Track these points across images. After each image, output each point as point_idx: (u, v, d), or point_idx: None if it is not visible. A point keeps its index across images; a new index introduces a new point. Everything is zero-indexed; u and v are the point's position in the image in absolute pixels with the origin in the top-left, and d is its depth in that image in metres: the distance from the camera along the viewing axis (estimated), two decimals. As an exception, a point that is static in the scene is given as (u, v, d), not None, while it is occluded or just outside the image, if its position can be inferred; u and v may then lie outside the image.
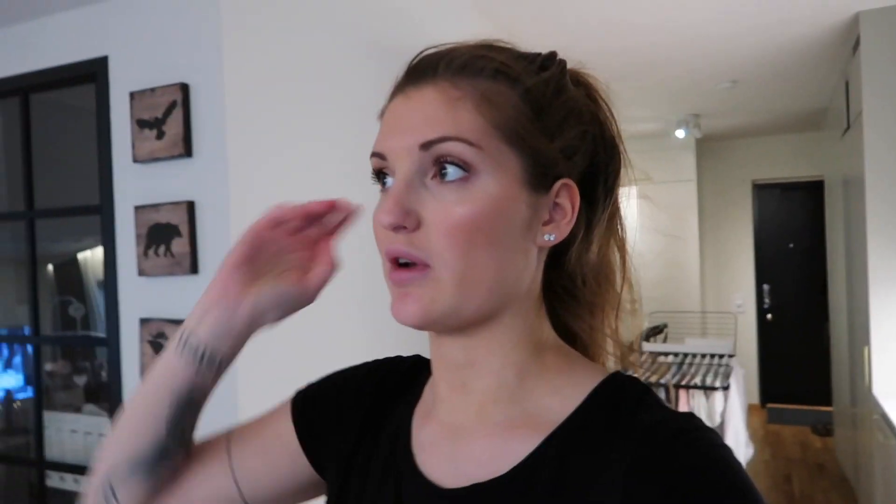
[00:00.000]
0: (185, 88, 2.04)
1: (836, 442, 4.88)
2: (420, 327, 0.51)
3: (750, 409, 5.61)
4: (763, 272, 6.27)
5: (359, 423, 0.64)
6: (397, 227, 0.50)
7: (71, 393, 3.12)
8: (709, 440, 0.46)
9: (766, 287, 6.27)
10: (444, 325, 0.52)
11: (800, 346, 6.08)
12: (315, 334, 2.26)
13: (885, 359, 2.80)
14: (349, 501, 0.61)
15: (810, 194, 5.94)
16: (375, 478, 0.59)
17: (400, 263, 0.51)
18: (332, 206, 0.60)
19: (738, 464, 0.45)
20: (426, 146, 0.50)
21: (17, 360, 3.16)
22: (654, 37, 3.09)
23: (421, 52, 0.55)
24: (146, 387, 0.61)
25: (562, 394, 0.53)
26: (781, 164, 6.04)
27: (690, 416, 0.49)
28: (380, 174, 0.54)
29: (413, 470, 0.56)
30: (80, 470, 2.60)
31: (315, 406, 0.67)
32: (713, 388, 3.27)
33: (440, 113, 0.50)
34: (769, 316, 6.25)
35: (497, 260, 0.51)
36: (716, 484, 0.43)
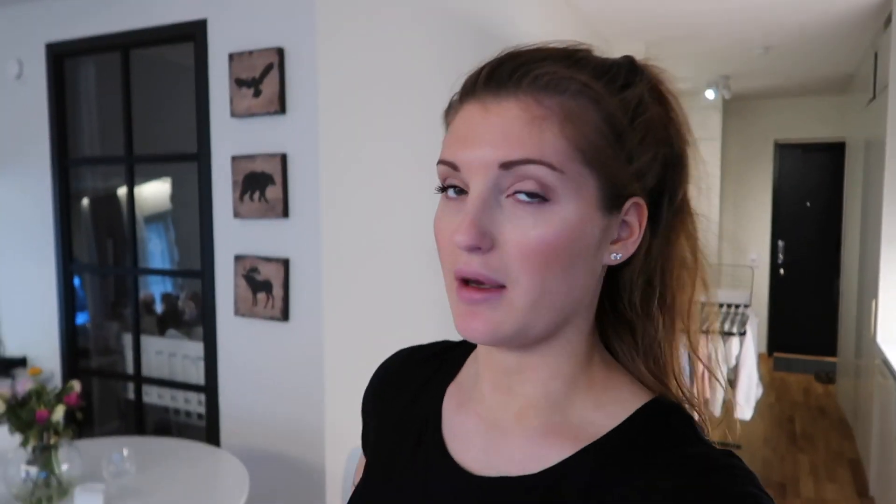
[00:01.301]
0: (280, 52, 2.28)
1: (837, 389, 5.22)
2: (487, 344, 0.52)
3: (759, 358, 5.94)
4: (779, 229, 6.51)
5: (384, 407, 0.67)
6: (472, 249, 0.49)
7: (148, 319, 3.45)
8: (745, 477, 0.47)
9: (781, 243, 6.52)
10: (509, 344, 0.53)
11: (809, 300, 6.37)
12: (391, 299, 2.53)
13: (891, 311, 3.09)
14: (376, 481, 0.63)
15: (830, 155, 6.12)
16: (404, 459, 0.61)
17: (467, 281, 0.50)
18: None
19: (769, 500, 0.47)
20: (507, 166, 0.48)
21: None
22: (696, 4, 3.27)
23: (498, 57, 0.52)
24: None
25: (605, 410, 0.53)
26: (804, 126, 6.21)
27: (730, 454, 0.49)
28: (444, 185, 0.53)
29: (443, 454, 0.57)
30: (168, 384, 2.94)
31: (365, 415, 0.71)
32: (731, 334, 3.57)
33: (524, 132, 0.48)
34: (782, 271, 6.52)
35: (569, 282, 0.50)
36: None
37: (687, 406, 0.56)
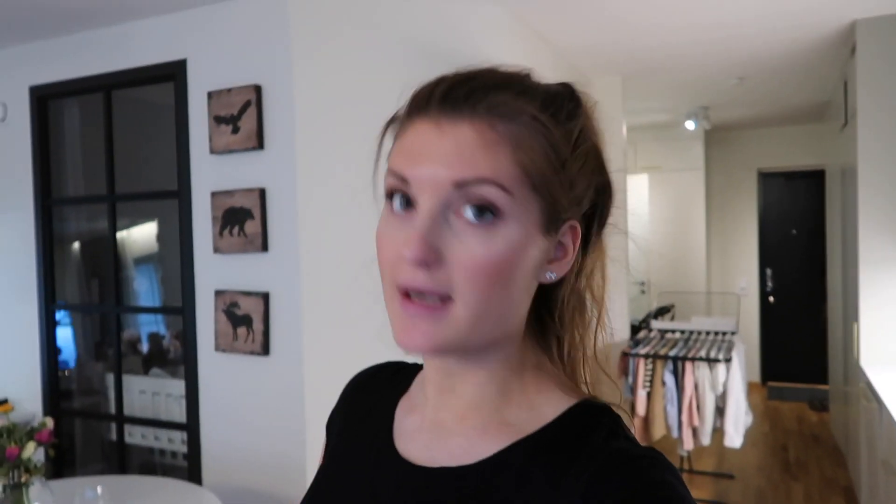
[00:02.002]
0: (258, 89, 2.33)
1: (831, 416, 5.19)
2: (425, 355, 0.56)
3: (751, 387, 5.92)
4: (766, 256, 6.56)
5: (343, 421, 0.71)
6: (420, 263, 0.51)
7: (133, 359, 3.43)
8: (664, 467, 0.50)
9: (769, 271, 6.56)
10: (446, 355, 0.57)
11: (800, 328, 6.38)
12: (372, 332, 2.53)
13: (871, 333, 3.10)
14: (330, 474, 0.68)
15: (812, 183, 6.20)
16: (356, 459, 0.65)
17: (408, 293, 0.53)
18: None
19: (686, 491, 0.50)
20: (460, 185, 0.50)
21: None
22: (669, 37, 3.36)
23: (452, 78, 0.55)
24: None
25: (536, 410, 0.57)
26: (785, 154, 6.30)
27: (652, 450, 0.53)
28: (392, 193, 0.55)
29: (390, 449, 0.61)
30: (151, 424, 2.92)
31: (328, 433, 0.74)
32: (716, 361, 3.57)
33: (478, 154, 0.50)
34: (771, 298, 6.54)
35: (509, 299, 0.54)
36: (661, 501, 0.48)
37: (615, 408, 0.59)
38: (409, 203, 0.53)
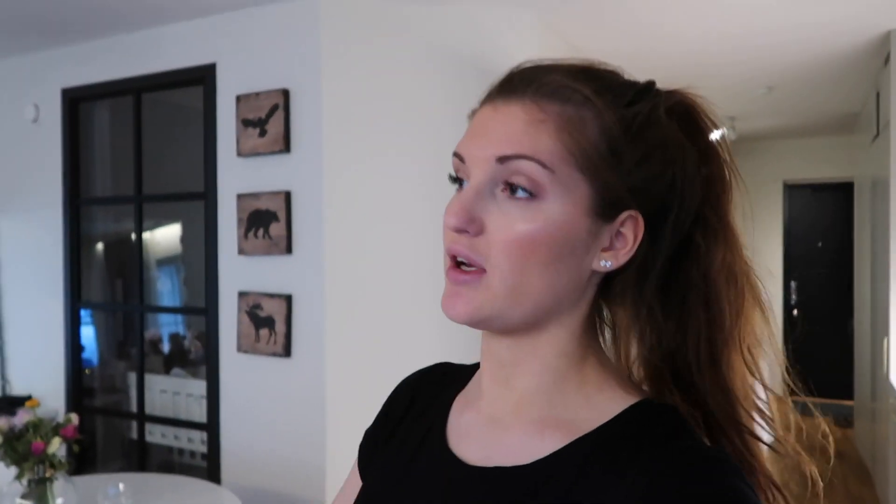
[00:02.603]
0: (286, 93, 2.34)
1: (856, 433, 5.08)
2: (467, 324, 0.54)
3: (774, 400, 5.81)
4: (791, 269, 6.45)
5: (398, 419, 0.69)
6: (460, 230, 0.53)
7: (154, 358, 3.46)
8: (731, 471, 0.48)
9: (793, 284, 6.46)
10: (488, 326, 0.56)
11: (824, 342, 6.26)
12: (394, 336, 2.54)
13: (903, 350, 3.03)
14: (377, 470, 0.67)
15: (840, 195, 6.10)
16: (407, 452, 0.64)
17: (458, 263, 0.54)
18: None
19: (757, 498, 0.48)
20: (502, 160, 0.52)
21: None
22: (699, 45, 3.32)
23: (519, 65, 0.57)
24: None
25: (597, 407, 0.56)
26: (812, 166, 6.21)
27: (719, 450, 0.52)
28: (457, 177, 0.57)
29: (443, 446, 0.60)
30: (171, 423, 2.94)
31: (372, 440, 0.71)
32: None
33: (521, 131, 0.52)
34: (795, 312, 6.44)
35: (548, 278, 0.53)
36: None
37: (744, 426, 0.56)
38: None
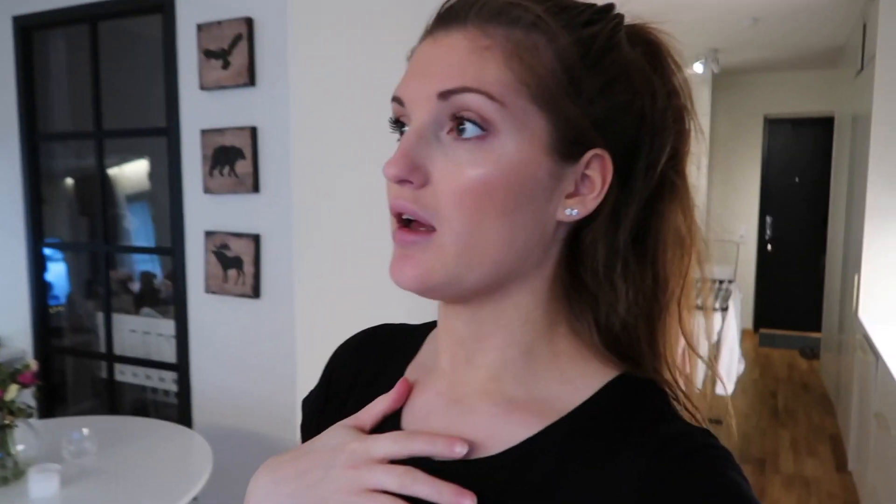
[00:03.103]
0: (249, 22, 2.21)
1: (821, 365, 5.23)
2: (418, 293, 0.49)
3: (743, 334, 5.96)
4: (767, 204, 6.49)
5: (344, 393, 0.62)
6: (402, 181, 0.47)
7: (124, 298, 3.41)
8: (725, 460, 0.45)
9: (769, 219, 6.50)
10: (442, 294, 0.49)
11: (796, 276, 6.37)
12: (365, 276, 2.50)
13: (873, 286, 3.07)
14: None
15: (820, 130, 6.08)
16: None
17: (404, 221, 0.48)
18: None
19: (749, 487, 0.45)
20: (444, 96, 0.46)
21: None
22: (680, -26, 3.21)
23: None
24: None
25: (573, 384, 0.50)
26: (794, 100, 6.15)
27: (708, 434, 0.47)
28: (398, 122, 0.51)
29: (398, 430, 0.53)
30: (141, 363, 2.91)
31: (315, 411, 0.64)
32: (713, 309, 3.55)
33: (464, 61, 0.45)
34: (769, 247, 6.51)
35: (507, 230, 0.46)
36: None
37: (668, 389, 0.51)
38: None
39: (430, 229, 0.47)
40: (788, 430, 4.16)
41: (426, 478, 0.47)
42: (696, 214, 0.53)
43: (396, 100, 0.49)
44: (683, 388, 0.53)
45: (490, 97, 0.45)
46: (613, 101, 0.48)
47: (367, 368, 0.62)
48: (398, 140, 0.50)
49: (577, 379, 0.50)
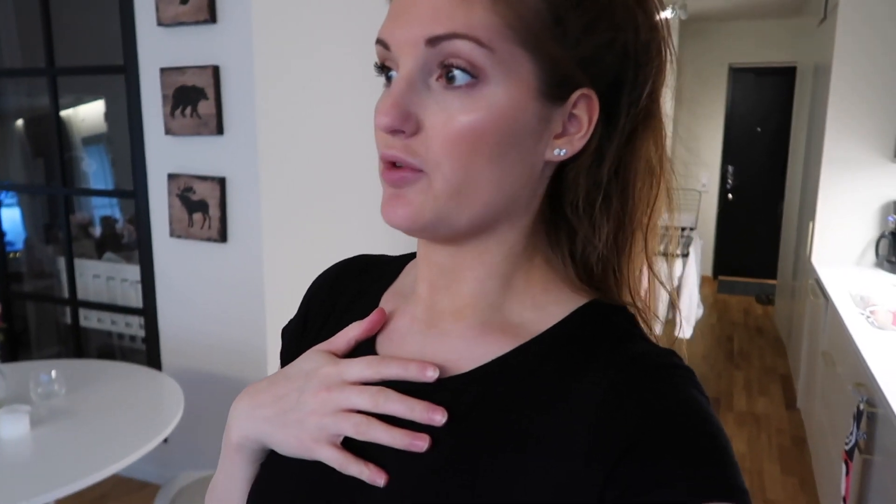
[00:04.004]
0: (208, -46, 2.13)
1: (776, 310, 5.43)
2: (409, 232, 0.49)
3: (703, 281, 6.11)
4: (729, 154, 6.58)
5: (321, 320, 0.63)
6: (395, 131, 0.47)
7: (85, 242, 3.34)
8: (686, 378, 0.46)
9: (730, 168, 6.61)
10: (433, 234, 0.50)
11: (755, 225, 6.53)
12: (332, 217, 2.47)
13: (826, 232, 3.17)
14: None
15: (782, 80, 6.14)
16: None
17: (394, 166, 0.48)
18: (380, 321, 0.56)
19: (709, 404, 0.46)
20: (433, 42, 0.45)
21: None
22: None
23: None
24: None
25: (544, 310, 0.52)
26: (758, 49, 6.18)
27: (672, 353, 0.48)
28: (383, 67, 0.50)
29: (373, 355, 0.54)
30: (107, 308, 2.88)
31: (294, 339, 0.65)
32: (674, 255, 3.64)
33: (452, 6, 0.45)
34: (730, 196, 6.64)
35: (498, 174, 0.47)
36: (688, 425, 0.44)
37: (637, 314, 0.53)
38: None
39: (420, 173, 0.47)
40: (742, 371, 4.33)
41: (398, 396, 0.49)
42: (665, 149, 0.54)
43: (381, 43, 0.48)
44: (646, 316, 0.55)
45: (479, 43, 0.44)
46: (598, 40, 0.47)
47: (344, 296, 0.63)
48: (385, 85, 0.50)
49: (549, 305, 0.52)
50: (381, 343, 0.55)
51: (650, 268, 0.54)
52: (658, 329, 0.57)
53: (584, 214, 0.51)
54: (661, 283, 0.56)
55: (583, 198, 0.51)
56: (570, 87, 0.47)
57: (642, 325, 0.54)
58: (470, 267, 0.52)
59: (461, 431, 0.48)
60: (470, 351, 0.51)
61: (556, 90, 0.47)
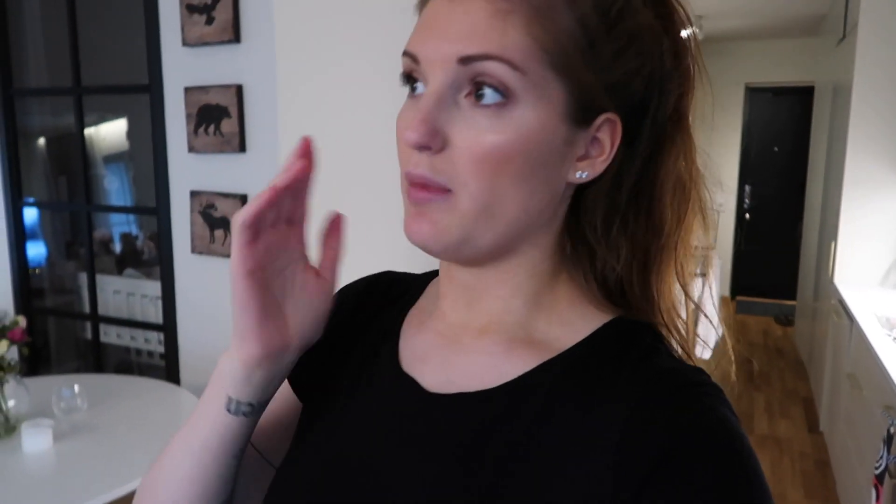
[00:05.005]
0: (233, -24, 2.16)
1: (795, 331, 5.36)
2: (431, 251, 0.49)
3: (721, 301, 6.06)
4: (746, 173, 6.56)
5: (339, 337, 0.61)
6: (422, 147, 0.46)
7: (106, 259, 3.38)
8: (715, 397, 0.45)
9: (747, 188, 6.58)
10: (456, 255, 0.49)
11: (773, 245, 6.48)
12: (358, 256, 2.48)
13: (849, 253, 3.14)
14: (316, 388, 0.60)
15: (799, 99, 6.13)
16: (352, 370, 0.58)
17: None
18: (305, 152, 0.54)
19: (738, 423, 0.45)
20: (465, 61, 0.45)
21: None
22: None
23: None
24: (193, 447, 0.58)
25: (570, 326, 0.51)
26: (775, 68, 6.18)
27: (700, 371, 0.48)
28: (409, 77, 0.49)
29: (397, 369, 0.54)
30: (126, 324, 2.90)
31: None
32: (693, 274, 3.61)
33: (486, 26, 0.44)
34: (747, 216, 6.60)
35: (523, 195, 0.47)
36: (718, 446, 0.43)
37: (663, 332, 0.52)
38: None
39: (446, 191, 0.47)
40: (763, 393, 4.27)
41: (265, 191, 0.50)
42: (697, 167, 0.53)
43: (409, 55, 0.48)
44: (683, 332, 0.54)
45: (512, 65, 0.44)
46: (627, 66, 0.47)
47: (364, 312, 0.63)
48: (409, 95, 0.50)
49: (575, 321, 0.52)
50: (405, 358, 0.55)
51: (683, 288, 0.54)
52: (701, 352, 0.56)
53: (601, 236, 0.51)
54: (696, 304, 0.55)
55: (601, 220, 0.51)
56: (596, 112, 0.48)
57: (675, 344, 0.53)
58: (494, 286, 0.52)
59: (486, 446, 0.48)
60: (496, 367, 0.51)
61: (582, 114, 0.47)
